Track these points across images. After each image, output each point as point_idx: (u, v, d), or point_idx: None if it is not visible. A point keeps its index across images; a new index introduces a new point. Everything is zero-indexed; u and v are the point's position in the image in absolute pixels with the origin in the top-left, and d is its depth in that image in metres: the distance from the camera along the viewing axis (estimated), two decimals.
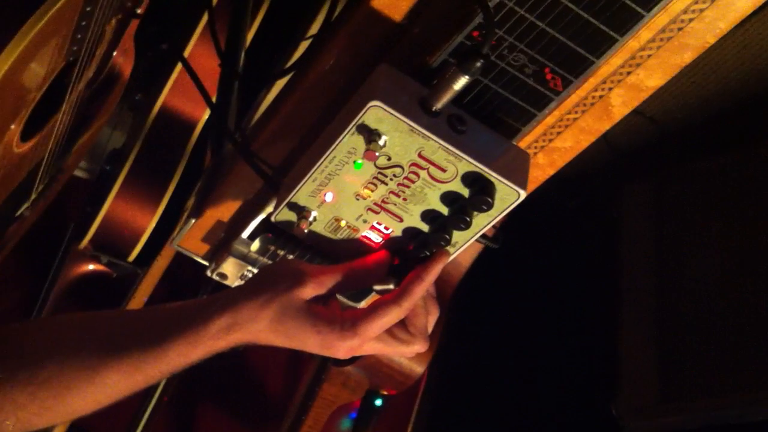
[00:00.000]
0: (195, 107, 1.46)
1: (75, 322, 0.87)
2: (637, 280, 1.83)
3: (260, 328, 0.81)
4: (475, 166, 0.80)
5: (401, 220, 0.87)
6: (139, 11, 1.18)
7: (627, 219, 1.95)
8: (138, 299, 1.58)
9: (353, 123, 0.78)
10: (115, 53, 1.19)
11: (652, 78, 0.86)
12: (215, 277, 1.06)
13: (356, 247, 0.91)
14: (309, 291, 0.82)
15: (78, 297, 1.78)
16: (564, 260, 2.33)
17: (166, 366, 0.81)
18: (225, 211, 1.03)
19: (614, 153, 2.00)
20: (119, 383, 0.81)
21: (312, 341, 0.82)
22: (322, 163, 0.82)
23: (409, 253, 0.88)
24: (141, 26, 1.25)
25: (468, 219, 0.84)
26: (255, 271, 1.04)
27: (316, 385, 2.05)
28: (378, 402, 2.09)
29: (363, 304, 1.05)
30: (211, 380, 2.31)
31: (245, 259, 1.02)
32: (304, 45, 1.37)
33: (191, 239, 1.07)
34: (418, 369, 1.93)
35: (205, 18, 1.45)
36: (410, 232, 0.88)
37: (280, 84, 1.06)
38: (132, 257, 1.54)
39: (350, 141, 0.80)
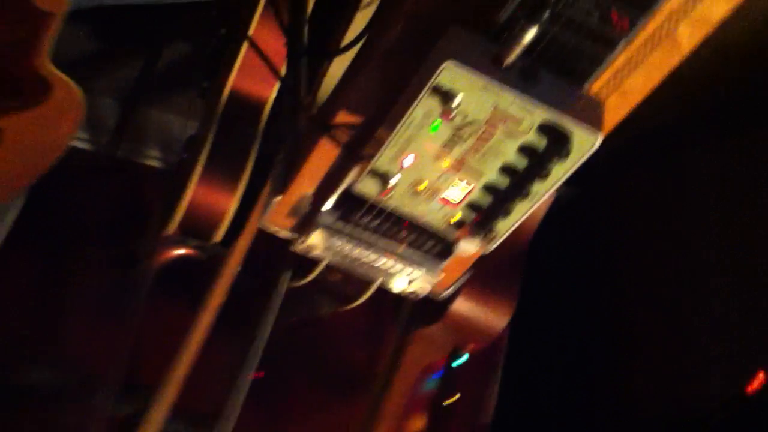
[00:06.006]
0: (263, 87, 1.49)
1: None
2: None
3: None
4: (551, 114, 0.81)
5: (480, 176, 0.89)
6: None
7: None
8: (225, 278, 1.63)
9: (428, 85, 0.80)
10: None
11: (717, 7, 0.86)
12: (302, 249, 1.10)
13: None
14: None
15: (166, 280, 1.83)
16: None
17: None
18: (307, 184, 1.06)
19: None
20: None
21: None
22: (400, 128, 0.85)
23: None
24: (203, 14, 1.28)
25: (546, 169, 0.85)
26: (341, 242, 1.07)
27: (400, 350, 2.09)
28: (463, 358, 2.12)
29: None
30: (295, 355, 2.37)
31: (331, 229, 1.05)
32: (367, 13, 1.38)
33: (276, 215, 1.11)
34: (500, 323, 1.95)
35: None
36: (489, 188, 0.90)
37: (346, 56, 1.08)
38: (218, 238, 1.59)
39: (426, 103, 0.82)
